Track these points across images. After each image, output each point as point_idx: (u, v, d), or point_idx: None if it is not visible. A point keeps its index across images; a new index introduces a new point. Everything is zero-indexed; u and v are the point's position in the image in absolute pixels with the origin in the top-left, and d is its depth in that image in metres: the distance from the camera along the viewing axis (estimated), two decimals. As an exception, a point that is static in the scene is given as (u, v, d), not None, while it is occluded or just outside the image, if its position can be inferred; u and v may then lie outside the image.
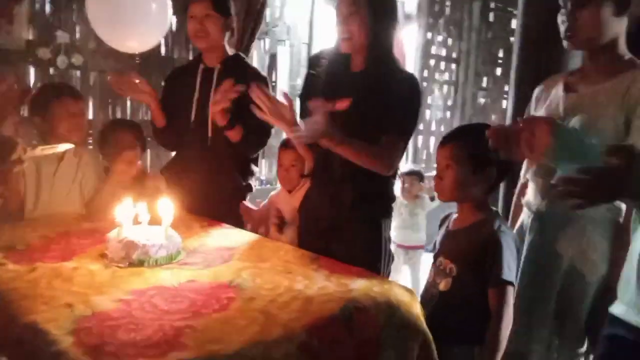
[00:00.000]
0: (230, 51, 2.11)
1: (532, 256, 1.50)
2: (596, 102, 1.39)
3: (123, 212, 1.46)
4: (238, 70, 2.02)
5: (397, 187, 3.22)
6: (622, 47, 1.41)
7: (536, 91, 1.64)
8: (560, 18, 1.43)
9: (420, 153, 5.29)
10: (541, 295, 1.48)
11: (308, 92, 1.80)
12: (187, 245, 1.54)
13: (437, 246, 1.52)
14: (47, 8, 2.65)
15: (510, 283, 1.31)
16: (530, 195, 1.58)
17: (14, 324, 1.01)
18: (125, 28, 2.16)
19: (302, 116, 1.72)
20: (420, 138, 5.23)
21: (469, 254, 1.36)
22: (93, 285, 1.20)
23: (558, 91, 1.52)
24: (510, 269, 1.31)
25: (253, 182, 2.19)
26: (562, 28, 1.43)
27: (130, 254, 1.36)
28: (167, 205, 1.49)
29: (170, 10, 2.29)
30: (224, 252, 1.53)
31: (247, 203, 2.11)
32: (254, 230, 2.03)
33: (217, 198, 2.00)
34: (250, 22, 2.97)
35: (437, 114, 5.48)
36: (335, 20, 1.70)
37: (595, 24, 1.36)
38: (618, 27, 1.38)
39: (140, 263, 1.36)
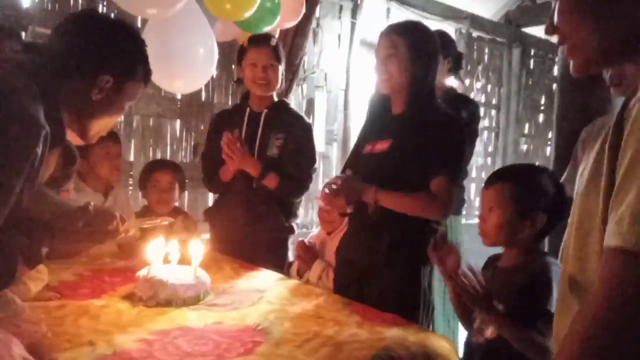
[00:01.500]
0: (275, 97, 2.15)
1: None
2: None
3: (154, 250, 1.45)
4: (284, 115, 2.05)
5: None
6: None
7: (582, 134, 1.57)
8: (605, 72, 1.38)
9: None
10: None
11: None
12: (217, 286, 1.51)
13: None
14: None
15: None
16: None
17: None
18: (173, 68, 2.23)
19: None
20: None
21: (517, 293, 1.27)
22: (118, 324, 1.18)
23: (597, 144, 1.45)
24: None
25: (295, 225, 2.17)
26: (606, 75, 1.37)
27: (158, 293, 1.33)
28: (198, 245, 1.48)
29: (216, 55, 2.36)
30: (253, 294, 1.49)
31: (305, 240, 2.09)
32: (302, 269, 2.01)
33: (258, 241, 1.99)
34: (290, 71, 3.05)
35: (478, 160, 5.37)
36: (375, 62, 1.70)
37: None
38: None
39: (168, 303, 1.33)
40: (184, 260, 1.50)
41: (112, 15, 1.13)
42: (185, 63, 2.23)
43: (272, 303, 1.41)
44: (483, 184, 1.41)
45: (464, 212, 5.20)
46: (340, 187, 1.61)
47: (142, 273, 1.39)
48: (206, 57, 2.30)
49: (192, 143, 3.18)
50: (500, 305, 1.29)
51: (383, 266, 1.63)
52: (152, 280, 1.35)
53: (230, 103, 3.29)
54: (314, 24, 3.50)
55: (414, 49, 1.62)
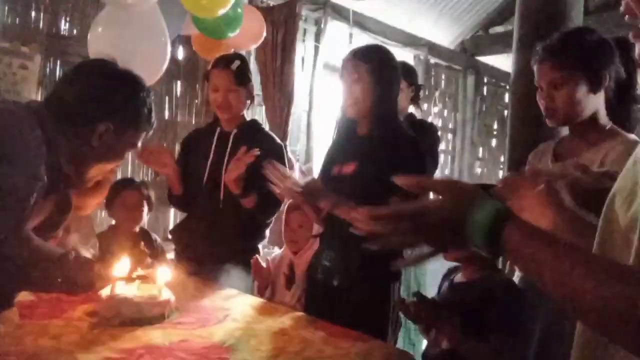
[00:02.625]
0: (248, 116, 2.16)
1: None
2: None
3: (117, 269, 1.43)
4: (254, 135, 2.06)
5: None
6: (603, 119, 1.44)
7: (529, 158, 1.67)
8: (539, 98, 1.48)
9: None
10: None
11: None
12: (181, 305, 1.49)
13: (439, 301, 1.49)
14: (59, 71, 2.75)
15: (503, 331, 1.27)
16: None
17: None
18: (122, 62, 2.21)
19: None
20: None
21: (472, 307, 1.33)
22: (81, 343, 1.15)
23: (547, 160, 1.55)
24: (508, 321, 1.28)
25: (261, 246, 2.17)
26: (542, 107, 1.48)
27: (121, 312, 1.31)
28: (162, 265, 1.47)
29: (168, 53, 2.36)
30: (218, 312, 1.48)
31: (259, 259, 2.08)
32: (261, 288, 2.00)
33: (223, 261, 1.98)
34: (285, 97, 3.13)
35: (434, 182, 5.54)
36: (340, 87, 1.76)
37: (572, 103, 1.40)
38: (595, 102, 1.42)
39: (132, 322, 1.31)
40: (147, 280, 1.48)
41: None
42: (135, 59, 2.22)
43: (237, 321, 1.41)
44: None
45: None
46: (304, 189, 1.63)
47: (104, 292, 1.37)
48: (158, 53, 2.28)
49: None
50: (456, 319, 1.35)
51: (353, 284, 1.67)
52: (116, 298, 1.33)
53: (194, 122, 3.30)
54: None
55: (377, 73, 1.69)
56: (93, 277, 1.22)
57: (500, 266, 1.45)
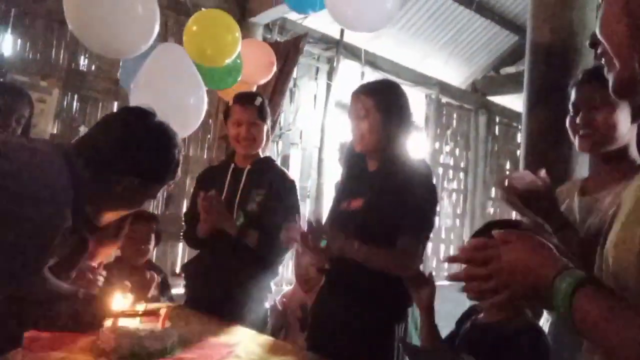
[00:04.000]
0: (261, 153, 2.17)
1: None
2: (607, 203, 1.37)
3: (120, 302, 1.41)
4: (267, 171, 2.06)
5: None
6: (634, 153, 1.42)
7: (557, 191, 1.62)
8: (571, 121, 1.46)
9: (430, 260, 5.20)
10: None
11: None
12: (184, 340, 1.45)
13: (458, 342, 1.42)
14: (75, 105, 2.81)
15: None
16: None
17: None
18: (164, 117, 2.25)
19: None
20: (430, 245, 5.18)
21: (488, 348, 1.26)
22: (79, 376, 1.11)
23: (574, 195, 1.51)
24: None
25: (272, 284, 2.12)
26: (573, 131, 1.45)
27: (122, 345, 1.27)
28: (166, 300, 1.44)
29: (205, 104, 2.39)
30: (222, 348, 1.44)
31: (276, 300, 2.04)
32: (275, 329, 1.95)
33: (234, 300, 1.94)
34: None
35: (447, 222, 5.48)
36: (349, 122, 1.75)
37: (611, 127, 1.38)
38: (631, 133, 1.40)
39: (132, 355, 1.27)
40: (150, 315, 1.45)
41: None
42: (177, 113, 2.26)
43: (241, 358, 1.37)
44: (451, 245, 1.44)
45: (433, 273, 5.24)
46: (311, 230, 1.60)
47: (106, 324, 1.34)
48: (197, 106, 2.32)
49: (165, 194, 3.16)
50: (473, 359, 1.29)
51: (358, 323, 1.62)
52: (117, 331, 1.30)
53: (205, 156, 3.32)
54: (291, 84, 3.63)
55: (385, 109, 1.67)
56: (99, 315, 1.20)
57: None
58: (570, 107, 1.47)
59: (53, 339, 1.37)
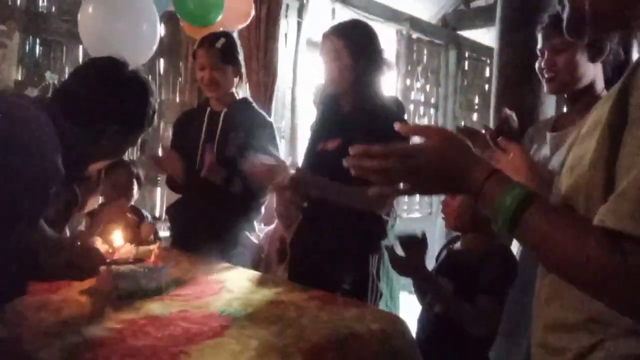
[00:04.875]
0: (240, 94, 2.15)
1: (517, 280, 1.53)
2: (572, 137, 1.46)
3: (113, 245, 1.46)
4: (244, 113, 2.05)
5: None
6: (600, 89, 1.49)
7: (529, 131, 1.70)
8: (538, 65, 1.53)
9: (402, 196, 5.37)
10: (520, 318, 1.50)
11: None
12: (177, 278, 1.53)
13: (435, 269, 1.54)
14: (38, 49, 2.70)
15: (492, 292, 1.34)
16: None
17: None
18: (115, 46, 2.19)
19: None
20: (401, 180, 5.32)
21: (465, 271, 1.38)
22: (82, 315, 1.18)
23: (545, 133, 1.60)
24: (496, 282, 1.34)
25: (257, 224, 2.18)
26: (540, 74, 1.52)
27: (119, 286, 1.34)
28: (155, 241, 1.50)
29: (158, 33, 2.34)
30: (213, 285, 1.52)
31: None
32: (256, 263, 2.03)
33: (221, 238, 1.97)
34: (269, 74, 3.11)
35: (418, 157, 5.61)
36: (320, 64, 1.76)
37: (572, 68, 1.46)
38: (594, 72, 1.47)
39: (129, 295, 1.33)
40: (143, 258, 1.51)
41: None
42: (127, 41, 2.19)
43: (233, 292, 1.45)
44: None
45: (404, 207, 5.41)
46: (289, 183, 1.65)
47: (101, 267, 1.39)
48: (150, 32, 2.26)
49: (140, 140, 3.13)
50: (450, 284, 1.41)
51: (334, 255, 1.71)
52: (113, 272, 1.35)
53: (177, 100, 3.27)
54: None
55: (355, 50, 1.67)
56: (96, 262, 1.26)
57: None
58: (537, 51, 1.53)
59: (49, 284, 1.42)
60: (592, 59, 1.45)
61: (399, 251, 1.43)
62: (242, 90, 2.18)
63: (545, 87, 1.53)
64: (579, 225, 0.64)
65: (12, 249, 0.96)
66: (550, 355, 0.76)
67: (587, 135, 0.72)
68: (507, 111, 1.55)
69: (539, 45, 1.51)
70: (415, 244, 1.41)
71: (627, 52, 1.46)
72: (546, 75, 1.50)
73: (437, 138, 0.75)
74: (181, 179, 2.00)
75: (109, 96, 1.15)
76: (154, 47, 2.32)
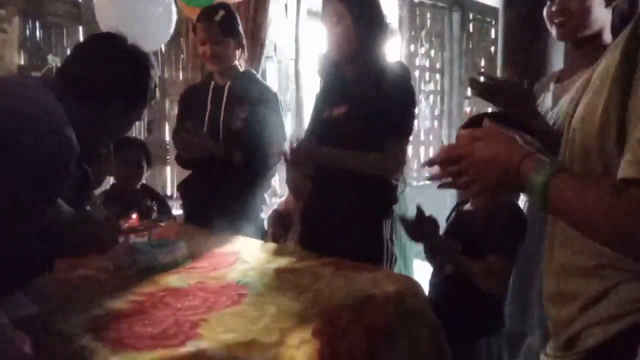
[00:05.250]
0: (242, 67, 2.14)
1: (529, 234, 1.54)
2: (578, 84, 1.44)
3: (129, 221, 1.48)
4: (248, 87, 2.04)
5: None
6: (608, 38, 1.46)
7: (535, 87, 1.68)
8: (548, 10, 1.49)
9: (410, 162, 5.35)
10: (530, 278, 1.51)
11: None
12: (192, 252, 1.55)
13: (445, 230, 1.55)
14: (38, 33, 2.69)
15: (501, 251, 1.35)
16: None
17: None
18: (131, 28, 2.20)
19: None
20: (410, 148, 5.29)
21: (475, 231, 1.39)
22: (103, 291, 1.21)
23: (550, 85, 1.58)
24: (505, 240, 1.35)
25: (266, 196, 2.20)
26: (549, 20, 1.49)
27: (137, 260, 1.37)
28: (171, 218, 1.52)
29: (175, 15, 2.32)
30: (228, 256, 1.54)
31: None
32: (277, 236, 2.06)
33: (232, 214, 1.98)
34: (258, 45, 3.06)
35: (425, 124, 5.56)
36: (323, 29, 1.74)
37: (585, 12, 1.43)
38: (605, 18, 1.44)
39: (148, 269, 1.36)
40: (158, 229, 1.53)
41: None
42: (143, 23, 2.18)
43: (248, 262, 1.48)
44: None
45: (414, 175, 5.41)
46: (292, 156, 1.65)
47: (119, 243, 1.42)
48: (165, 17, 2.25)
49: (146, 119, 3.14)
50: (458, 243, 1.42)
51: (346, 223, 1.72)
52: (130, 247, 1.38)
53: (181, 77, 3.26)
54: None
55: (357, 14, 1.64)
56: (114, 234, 1.28)
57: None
58: None
59: (68, 262, 1.45)
60: (607, 3, 1.42)
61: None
62: (242, 63, 2.16)
63: (554, 33, 1.50)
64: (602, 184, 0.66)
65: (37, 226, 0.98)
66: (563, 303, 0.78)
67: (598, 84, 0.73)
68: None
69: None
70: (421, 220, 1.43)
71: (633, 4, 1.43)
72: (557, 20, 1.46)
73: (481, 135, 0.80)
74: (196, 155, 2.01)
75: (109, 72, 1.16)
76: (171, 30, 2.31)
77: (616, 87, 0.66)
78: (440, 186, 0.88)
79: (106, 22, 2.23)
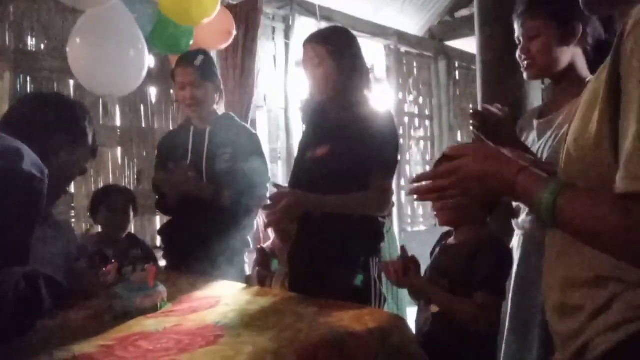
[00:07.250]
0: (220, 110, 2.16)
1: (522, 272, 1.50)
2: (561, 119, 1.45)
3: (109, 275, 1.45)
4: (229, 129, 2.06)
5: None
6: (583, 71, 1.49)
7: (519, 124, 1.70)
8: (518, 52, 1.53)
9: (404, 209, 5.33)
10: (530, 309, 1.46)
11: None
12: (173, 297, 1.50)
13: (430, 266, 1.51)
14: (29, 87, 2.74)
15: (488, 288, 1.31)
16: (523, 215, 1.60)
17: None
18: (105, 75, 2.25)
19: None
20: (402, 194, 5.29)
21: (460, 266, 1.36)
22: (74, 334, 1.16)
23: (532, 121, 1.60)
24: (491, 277, 1.31)
25: (249, 238, 2.17)
26: (520, 61, 1.53)
27: (113, 305, 1.32)
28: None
29: (147, 56, 2.39)
30: (209, 299, 1.50)
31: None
32: (262, 276, 2.01)
33: (214, 257, 1.96)
34: (246, 93, 3.12)
35: (416, 169, 5.60)
36: (304, 72, 1.77)
37: (547, 52, 1.46)
38: (570, 54, 1.47)
39: (124, 315, 1.31)
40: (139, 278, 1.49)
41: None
42: (116, 68, 2.22)
43: (229, 305, 1.43)
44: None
45: (408, 221, 5.37)
46: (282, 211, 1.61)
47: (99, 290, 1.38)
48: (137, 59, 2.30)
49: (135, 170, 3.15)
50: (445, 280, 1.38)
51: (334, 263, 1.69)
52: (107, 292, 1.34)
53: (171, 127, 3.29)
54: (249, 46, 3.58)
55: (337, 55, 1.68)
56: (88, 285, 1.33)
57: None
58: (516, 39, 1.54)
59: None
60: (565, 42, 1.45)
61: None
62: (220, 108, 2.19)
63: (524, 74, 1.53)
64: (604, 199, 0.67)
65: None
66: (569, 315, 0.77)
67: (586, 108, 0.75)
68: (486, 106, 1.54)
69: (516, 34, 1.52)
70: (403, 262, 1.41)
71: (608, 30, 1.46)
72: (523, 63, 1.50)
73: (469, 152, 0.83)
74: (176, 198, 1.99)
75: (41, 114, 1.29)
76: (144, 73, 2.35)
77: (606, 106, 0.69)
78: (418, 199, 0.90)
79: (78, 66, 2.27)
